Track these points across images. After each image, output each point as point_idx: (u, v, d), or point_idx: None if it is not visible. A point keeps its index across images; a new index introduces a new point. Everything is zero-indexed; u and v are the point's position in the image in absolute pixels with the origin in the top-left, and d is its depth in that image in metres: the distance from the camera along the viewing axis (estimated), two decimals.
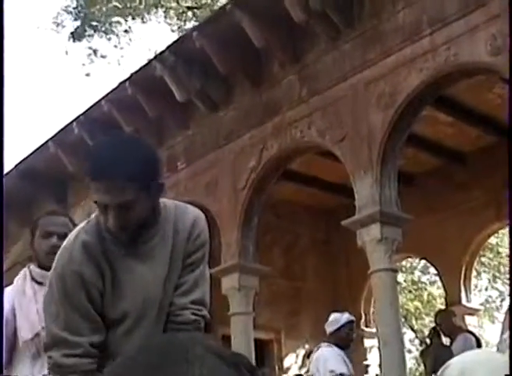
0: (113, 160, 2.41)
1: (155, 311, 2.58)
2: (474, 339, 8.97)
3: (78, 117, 12.55)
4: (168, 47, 11.17)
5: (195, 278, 2.63)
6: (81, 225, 2.67)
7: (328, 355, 6.91)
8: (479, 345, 9.01)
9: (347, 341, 7.19)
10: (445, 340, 9.51)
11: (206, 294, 2.67)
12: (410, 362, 22.02)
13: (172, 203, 2.71)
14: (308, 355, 12.11)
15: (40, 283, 3.52)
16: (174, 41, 11.49)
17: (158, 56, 11.54)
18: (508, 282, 21.98)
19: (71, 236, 2.64)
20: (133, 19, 22.72)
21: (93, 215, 2.66)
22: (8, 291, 3.52)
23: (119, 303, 2.56)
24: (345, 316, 7.30)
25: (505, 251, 21.08)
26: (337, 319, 7.24)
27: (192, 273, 2.63)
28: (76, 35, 22.15)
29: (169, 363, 0.85)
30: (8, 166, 13.99)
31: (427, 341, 9.60)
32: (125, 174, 2.38)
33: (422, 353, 10.91)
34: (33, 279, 3.60)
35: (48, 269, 3.36)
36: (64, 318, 2.52)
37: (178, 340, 0.91)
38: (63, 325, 2.51)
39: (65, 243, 2.63)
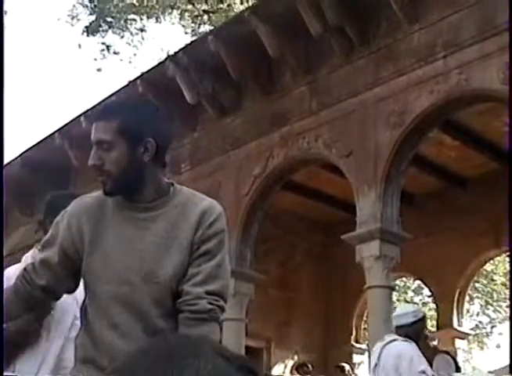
0: (107, 105, 2.72)
1: (139, 281, 2.54)
2: (451, 360, 8.92)
3: (87, 111, 12.58)
4: (183, 48, 11.23)
5: (211, 268, 2.55)
6: None
7: (412, 351, 6.18)
8: (457, 366, 8.95)
9: (420, 336, 6.47)
10: None
11: (224, 286, 2.59)
12: None
13: (191, 191, 2.70)
14: (296, 367, 12.10)
15: None
16: (189, 43, 11.56)
17: (171, 57, 11.58)
18: (500, 309, 22.03)
19: None
20: (148, 18, 22.79)
21: None
22: (13, 268, 3.46)
23: (101, 262, 2.57)
24: (422, 310, 6.62)
25: (499, 278, 21.12)
26: (415, 311, 6.44)
27: (208, 263, 2.55)
28: (90, 30, 22.21)
29: (176, 358, 0.89)
30: (13, 154, 14.08)
31: None
32: (107, 115, 2.55)
33: None
34: None
35: None
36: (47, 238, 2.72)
37: (187, 338, 0.96)
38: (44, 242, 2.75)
39: None
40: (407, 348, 6.16)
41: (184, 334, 1.09)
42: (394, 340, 6.24)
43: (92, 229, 2.60)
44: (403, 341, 6.19)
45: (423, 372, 6.05)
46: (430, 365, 8.58)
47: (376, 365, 6.22)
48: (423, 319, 6.37)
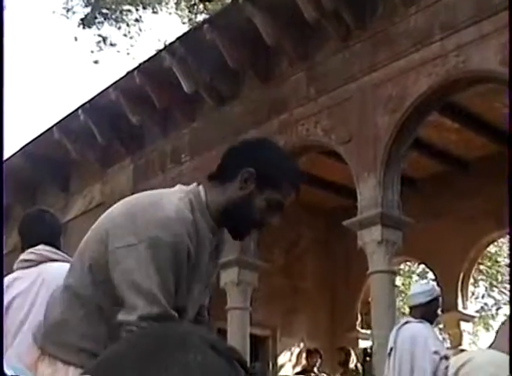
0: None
1: (192, 316, 2.58)
2: None
3: (84, 104, 12.55)
4: (179, 38, 11.18)
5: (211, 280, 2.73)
6: (167, 191, 2.55)
7: (426, 333, 6.00)
8: None
9: (435, 316, 6.28)
10: None
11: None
12: None
13: None
14: (307, 354, 12.08)
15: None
16: (185, 33, 11.51)
17: (168, 47, 11.55)
18: (505, 291, 22.03)
19: (158, 195, 2.48)
20: (144, 8, 22.71)
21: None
22: None
23: (187, 290, 2.48)
24: (438, 288, 6.44)
25: (503, 260, 21.09)
26: (431, 289, 6.26)
27: (211, 277, 2.72)
28: (86, 22, 22.13)
29: (165, 350, 0.87)
30: (12, 149, 14.05)
31: None
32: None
33: None
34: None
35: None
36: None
37: (176, 329, 0.94)
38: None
39: (151, 199, 2.45)
40: (421, 330, 6.00)
41: (172, 325, 1.07)
42: (407, 322, 6.08)
43: (193, 254, 2.44)
44: (417, 323, 6.01)
45: (436, 352, 5.86)
46: None
47: (391, 349, 6.03)
48: (437, 298, 6.18)
